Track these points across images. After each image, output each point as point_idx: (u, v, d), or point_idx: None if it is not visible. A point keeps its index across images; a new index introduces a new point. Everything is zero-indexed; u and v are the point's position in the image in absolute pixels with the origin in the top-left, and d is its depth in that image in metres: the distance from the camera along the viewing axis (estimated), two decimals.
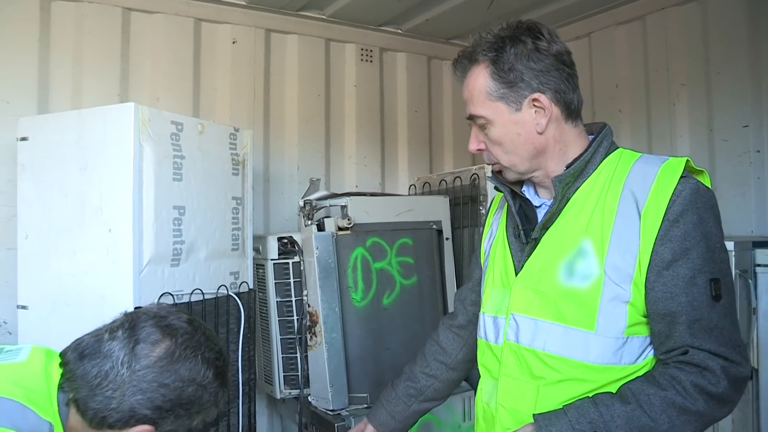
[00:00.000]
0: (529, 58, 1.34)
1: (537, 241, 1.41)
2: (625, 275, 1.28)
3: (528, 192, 1.49)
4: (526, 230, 1.45)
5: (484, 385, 1.53)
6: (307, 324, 2.64)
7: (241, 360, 2.38)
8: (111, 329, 1.16)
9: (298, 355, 2.72)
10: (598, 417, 1.24)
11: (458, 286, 3.09)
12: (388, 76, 3.81)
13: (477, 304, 1.64)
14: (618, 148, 1.42)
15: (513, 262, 1.47)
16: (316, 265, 2.57)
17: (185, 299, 2.16)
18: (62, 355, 1.15)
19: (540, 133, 1.37)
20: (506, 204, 1.53)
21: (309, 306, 2.63)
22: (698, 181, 1.31)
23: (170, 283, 2.14)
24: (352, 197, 2.73)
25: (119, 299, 2.04)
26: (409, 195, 3.44)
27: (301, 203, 2.69)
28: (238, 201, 2.48)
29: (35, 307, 2.25)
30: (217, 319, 2.28)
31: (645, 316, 1.30)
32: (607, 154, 1.39)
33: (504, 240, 1.52)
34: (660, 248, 1.25)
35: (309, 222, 2.65)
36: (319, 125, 3.50)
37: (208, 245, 2.29)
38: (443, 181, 3.27)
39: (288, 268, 2.71)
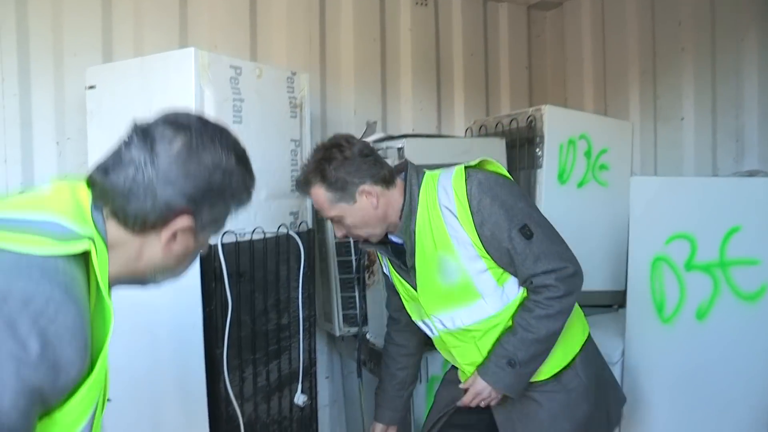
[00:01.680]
0: (343, 166, 1.82)
1: (413, 266, 1.92)
2: (474, 255, 1.84)
3: (393, 238, 1.98)
4: (404, 261, 1.96)
5: (446, 357, 2.11)
6: (365, 263, 2.70)
7: (302, 297, 2.47)
8: (125, 142, 1.12)
9: (357, 293, 2.79)
10: (506, 351, 1.84)
11: None
12: (444, 19, 3.77)
13: (402, 307, 2.12)
14: (424, 174, 1.94)
15: (408, 283, 2.00)
16: None
17: (247, 237, 2.24)
18: (88, 178, 1.12)
19: (376, 208, 1.86)
20: None
21: None
22: (479, 174, 1.84)
23: (232, 222, 2.21)
24: (408, 139, 2.75)
25: None
26: (465, 137, 3.44)
27: None
28: (297, 143, 2.53)
29: None
30: (278, 257, 2.36)
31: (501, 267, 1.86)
32: (419, 186, 1.89)
33: (393, 270, 2.06)
34: (480, 230, 1.81)
35: None
36: (375, 69, 3.52)
37: (268, 185, 2.36)
38: (499, 124, 3.26)
39: None
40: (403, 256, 1.96)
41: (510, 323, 1.87)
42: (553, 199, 3.04)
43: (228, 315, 2.14)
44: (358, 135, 2.87)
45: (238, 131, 2.21)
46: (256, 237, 2.27)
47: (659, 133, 3.27)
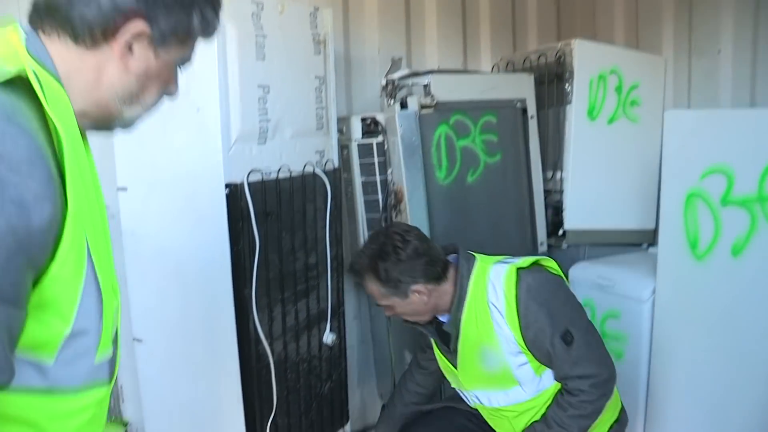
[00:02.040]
0: (397, 266, 1.94)
1: (456, 350, 2.05)
2: (516, 351, 1.95)
3: (441, 318, 2.08)
4: (447, 342, 2.08)
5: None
6: (392, 202, 2.68)
7: (329, 236, 2.45)
8: None
9: None
10: None
11: (543, 167, 3.05)
12: None
13: (434, 359, 2.28)
14: (474, 261, 2.02)
15: (449, 361, 2.13)
16: (400, 144, 2.58)
17: (273, 176, 2.21)
18: (30, 10, 1.00)
19: (426, 304, 2.00)
20: None
21: (393, 185, 2.66)
22: (528, 277, 1.94)
23: (258, 161, 2.19)
24: (434, 74, 2.69)
25: (210, 177, 2.11)
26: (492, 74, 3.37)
27: (384, 82, 2.68)
28: (321, 80, 2.48)
29: (133, 188, 2.35)
30: (304, 196, 2.33)
31: None
32: (470, 277, 1.98)
33: (436, 346, 2.20)
34: (525, 332, 1.91)
35: (392, 101, 2.64)
36: (399, 5, 3.42)
37: (293, 123, 2.32)
38: (527, 60, 3.18)
39: (372, 149, 2.73)
40: (447, 336, 2.07)
41: (543, 409, 2.01)
42: (582, 136, 2.99)
43: (256, 255, 2.13)
44: (382, 75, 2.83)
45: (261, 68, 2.20)
46: (282, 176, 2.24)
47: (693, 67, 3.15)
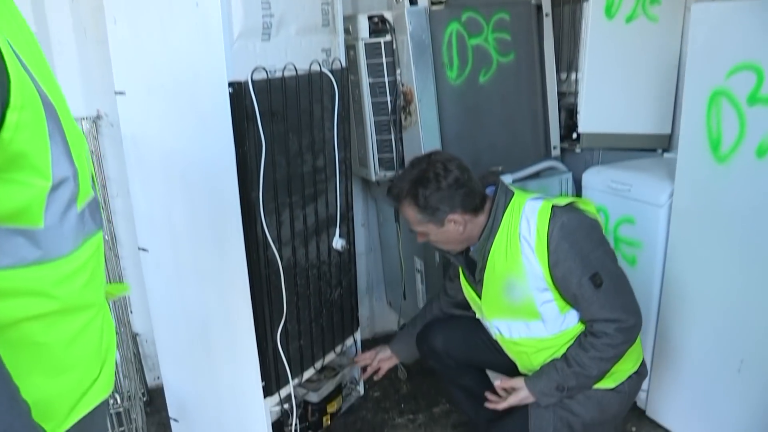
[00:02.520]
0: (437, 194, 1.93)
1: (481, 279, 2.06)
2: (542, 287, 1.95)
3: (471, 248, 2.09)
4: (472, 272, 2.11)
5: None
6: (402, 104, 2.58)
7: (337, 138, 2.36)
8: None
9: (393, 136, 2.68)
10: (558, 378, 1.96)
11: (558, 68, 2.93)
12: None
13: (454, 291, 2.36)
14: (512, 195, 2.01)
15: (474, 290, 2.15)
16: (410, 42, 2.46)
17: (278, 75, 2.10)
18: None
19: (461, 233, 2.00)
20: None
21: (403, 85, 2.55)
22: (563, 216, 1.91)
23: (262, 58, 2.08)
24: None
25: (212, 75, 2.01)
26: None
27: None
28: None
29: (132, 92, 2.25)
30: (311, 96, 2.23)
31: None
32: (505, 208, 1.97)
33: (462, 274, 2.21)
34: (553, 269, 1.90)
35: None
36: None
37: (297, 19, 2.19)
38: None
39: (379, 48, 2.61)
40: (474, 265, 2.08)
41: (563, 349, 2.00)
42: (599, 35, 2.84)
43: (262, 157, 2.05)
44: None
45: None
46: (287, 74, 2.13)
47: None
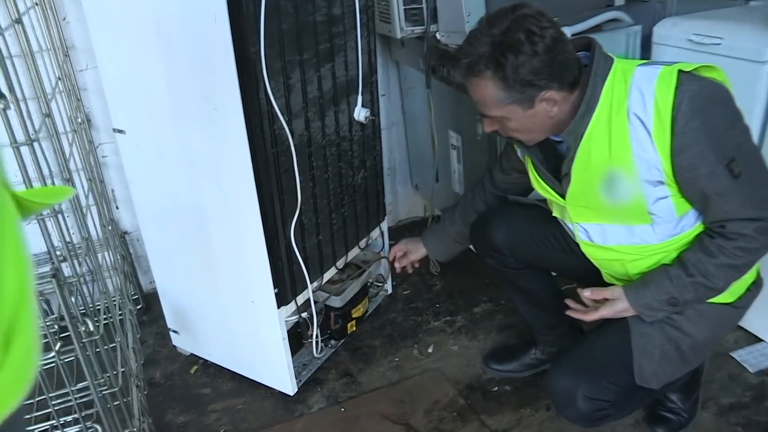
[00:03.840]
0: (529, 63, 1.36)
1: (569, 174, 1.52)
2: (657, 181, 1.43)
3: (553, 137, 1.57)
4: (552, 165, 1.60)
5: None
6: None
7: None
8: None
9: None
10: (672, 288, 1.48)
11: None
12: None
13: (514, 172, 1.85)
14: (613, 62, 1.45)
15: (553, 189, 1.62)
16: None
17: None
18: None
19: (552, 117, 1.46)
20: None
21: None
22: (693, 84, 1.35)
23: None
24: None
25: None
26: None
27: None
28: None
29: None
30: None
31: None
32: (605, 79, 1.42)
33: (532, 168, 1.67)
34: (678, 157, 1.37)
35: None
36: None
37: None
38: None
39: None
40: (557, 157, 1.58)
41: (674, 254, 1.53)
42: None
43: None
44: None
45: None
46: None
47: None
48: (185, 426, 2.04)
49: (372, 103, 2.06)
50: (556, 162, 1.57)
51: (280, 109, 1.65)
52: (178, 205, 1.95)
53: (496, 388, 2.06)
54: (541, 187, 1.67)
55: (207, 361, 2.26)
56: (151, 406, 2.09)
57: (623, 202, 1.49)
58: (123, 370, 1.78)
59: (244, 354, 2.13)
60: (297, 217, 1.81)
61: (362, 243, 2.21)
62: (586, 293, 1.60)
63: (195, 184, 1.86)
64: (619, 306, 1.54)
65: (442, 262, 2.49)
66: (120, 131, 1.94)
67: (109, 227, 2.36)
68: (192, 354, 2.30)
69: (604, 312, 1.56)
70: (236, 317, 2.03)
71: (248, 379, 2.16)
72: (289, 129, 1.70)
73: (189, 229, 1.96)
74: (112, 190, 2.51)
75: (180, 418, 2.07)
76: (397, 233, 2.78)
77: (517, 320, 2.29)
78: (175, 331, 2.28)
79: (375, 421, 1.97)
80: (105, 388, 1.58)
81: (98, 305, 1.74)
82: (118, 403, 1.63)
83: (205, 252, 1.97)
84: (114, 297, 2.21)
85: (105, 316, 1.69)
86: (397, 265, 2.15)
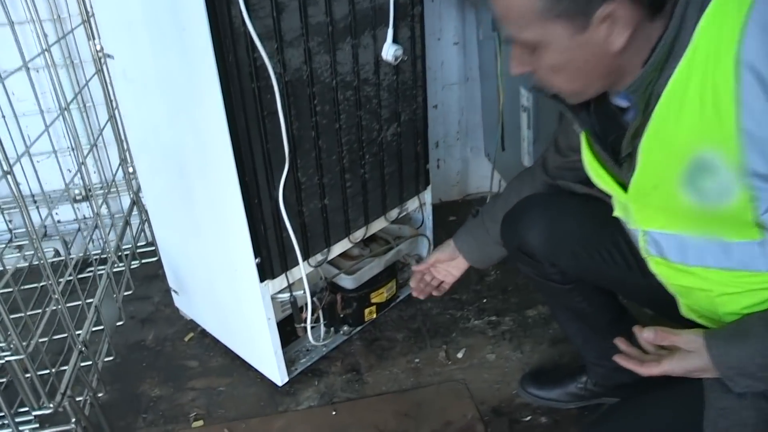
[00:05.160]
0: None
1: (632, 155, 1.02)
2: None
3: (615, 99, 1.06)
4: (609, 139, 1.08)
5: None
6: None
7: None
8: None
9: None
10: None
11: None
12: None
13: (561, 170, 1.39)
14: None
15: (611, 177, 1.11)
16: None
17: None
18: None
19: (610, 53, 0.92)
20: None
21: None
22: None
23: None
24: None
25: None
26: None
27: None
28: None
29: None
30: None
31: None
32: (699, 16, 0.87)
33: (587, 149, 1.15)
34: None
35: None
36: None
37: None
38: None
39: None
40: (617, 128, 1.06)
41: None
42: None
43: None
44: None
45: None
46: None
47: None
48: (157, 401, 1.76)
49: (413, 42, 1.64)
50: (620, 137, 1.05)
51: (260, 33, 1.28)
52: (161, 143, 1.64)
53: (528, 418, 1.62)
54: (598, 173, 1.15)
55: (205, 330, 1.97)
56: (131, 372, 1.85)
57: (717, 203, 0.97)
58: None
59: (235, 330, 1.82)
60: (287, 173, 1.45)
61: (391, 214, 1.82)
62: (647, 335, 1.07)
63: (174, 120, 1.54)
64: (693, 362, 1.02)
65: None
66: (109, 56, 1.65)
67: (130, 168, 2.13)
68: (192, 320, 2.02)
69: (670, 366, 1.04)
70: (223, 286, 1.72)
71: (240, 358, 1.85)
72: (278, 59, 1.33)
73: (173, 176, 1.66)
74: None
75: (155, 391, 1.79)
76: (466, 208, 2.31)
77: None
78: (175, 291, 2.00)
79: None
80: (8, 353, 1.30)
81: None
82: (29, 375, 1.35)
83: (189, 203, 1.66)
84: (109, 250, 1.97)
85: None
86: (421, 287, 1.63)
